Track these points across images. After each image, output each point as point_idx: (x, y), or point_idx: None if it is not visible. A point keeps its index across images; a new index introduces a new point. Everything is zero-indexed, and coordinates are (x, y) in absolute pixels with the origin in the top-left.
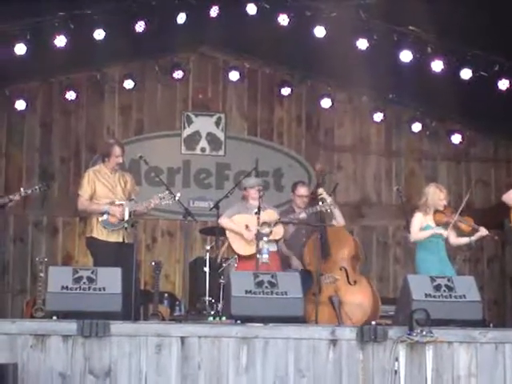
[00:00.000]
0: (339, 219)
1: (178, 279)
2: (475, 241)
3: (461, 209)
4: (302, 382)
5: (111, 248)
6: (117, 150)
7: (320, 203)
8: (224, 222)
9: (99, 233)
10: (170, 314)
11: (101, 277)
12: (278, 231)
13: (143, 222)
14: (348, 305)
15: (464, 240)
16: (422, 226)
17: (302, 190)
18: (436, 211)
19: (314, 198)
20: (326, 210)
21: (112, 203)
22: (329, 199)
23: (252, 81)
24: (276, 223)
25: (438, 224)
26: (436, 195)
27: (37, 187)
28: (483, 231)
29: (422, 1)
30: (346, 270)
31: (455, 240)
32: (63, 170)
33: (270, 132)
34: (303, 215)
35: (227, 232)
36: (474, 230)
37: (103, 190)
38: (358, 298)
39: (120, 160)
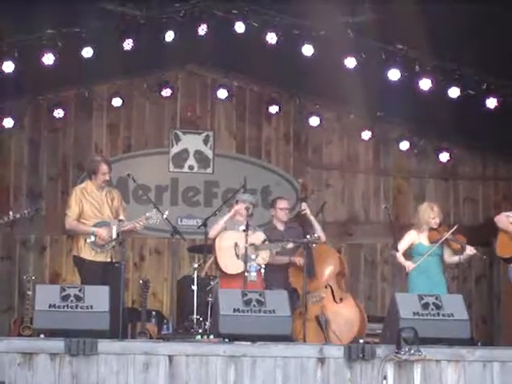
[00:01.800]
0: (321, 235)
1: (165, 297)
2: (464, 259)
3: (454, 229)
4: None
5: (98, 267)
6: (103, 167)
7: (308, 236)
8: (214, 236)
9: (86, 253)
10: (157, 332)
11: (88, 295)
12: (265, 256)
13: (131, 240)
14: (335, 323)
15: (455, 259)
16: (414, 243)
17: (283, 203)
18: (431, 229)
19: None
20: (314, 243)
21: (99, 224)
22: (311, 217)
23: (240, 99)
24: (262, 246)
25: (431, 241)
26: (426, 213)
27: (26, 212)
28: (471, 251)
29: (411, 19)
30: (331, 288)
31: (448, 258)
32: (51, 188)
33: (258, 150)
34: (290, 245)
35: (216, 248)
36: (463, 249)
37: (90, 209)
38: (344, 316)
39: (107, 177)
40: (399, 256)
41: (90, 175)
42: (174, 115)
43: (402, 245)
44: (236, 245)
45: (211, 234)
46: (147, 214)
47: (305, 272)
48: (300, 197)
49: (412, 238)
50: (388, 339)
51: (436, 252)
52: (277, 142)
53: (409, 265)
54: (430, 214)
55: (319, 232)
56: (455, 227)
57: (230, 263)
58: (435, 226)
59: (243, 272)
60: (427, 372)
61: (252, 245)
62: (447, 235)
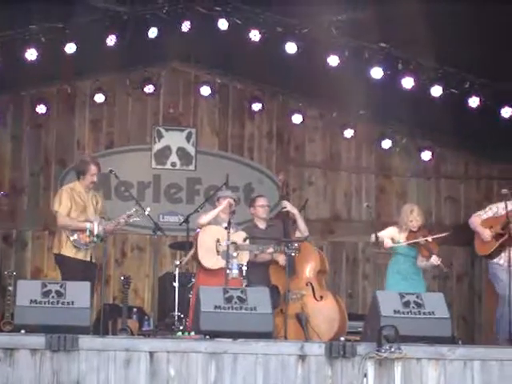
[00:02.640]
0: (304, 231)
1: (147, 294)
2: (427, 267)
3: (430, 237)
4: None
5: (79, 265)
6: (92, 168)
7: (288, 246)
8: (203, 224)
9: (68, 250)
10: (138, 328)
11: (69, 291)
12: (244, 257)
13: (113, 237)
14: (315, 320)
15: (421, 264)
16: (393, 239)
17: (262, 200)
18: (410, 231)
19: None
20: (295, 254)
21: (87, 221)
22: (294, 210)
23: (223, 96)
24: (242, 246)
25: (412, 244)
26: (405, 216)
27: None
28: (435, 261)
29: (393, 18)
30: (312, 286)
31: (419, 262)
32: (33, 184)
33: (241, 147)
34: (270, 250)
35: (198, 241)
36: (430, 258)
37: (76, 210)
38: (324, 314)
39: (95, 178)
40: (381, 235)
41: (79, 175)
42: (157, 112)
43: (382, 233)
44: (218, 241)
45: (201, 221)
46: (128, 212)
47: (287, 273)
48: (281, 194)
49: (392, 232)
50: (369, 337)
51: (411, 254)
52: (259, 139)
53: (387, 242)
54: (409, 216)
55: (303, 229)
56: (431, 237)
57: (209, 258)
58: (414, 229)
59: (222, 268)
60: (408, 370)
61: (233, 243)
62: (419, 240)
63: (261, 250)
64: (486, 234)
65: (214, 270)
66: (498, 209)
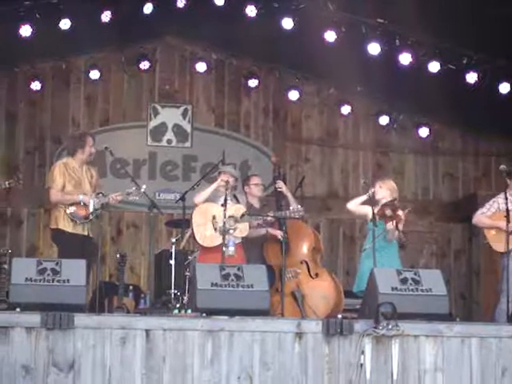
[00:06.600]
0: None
1: (143, 272)
2: (391, 235)
3: (391, 213)
4: (267, 375)
5: (77, 240)
6: (89, 139)
7: (291, 208)
8: (199, 202)
9: (66, 225)
10: (134, 306)
11: (65, 269)
12: (244, 228)
13: (108, 214)
14: (311, 298)
15: (389, 237)
16: (367, 216)
17: (257, 179)
18: (382, 206)
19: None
20: (301, 217)
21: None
22: (288, 193)
23: (219, 72)
24: (242, 218)
25: (379, 218)
26: (375, 191)
27: (7, 183)
28: (388, 225)
29: None
30: (306, 264)
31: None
32: (28, 161)
33: (237, 124)
34: (271, 218)
35: (193, 221)
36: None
37: (70, 185)
38: (320, 291)
39: (93, 150)
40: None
41: (75, 151)
42: (153, 88)
43: (357, 201)
44: (214, 217)
45: (196, 200)
46: (127, 190)
47: (284, 245)
48: (274, 175)
49: (366, 210)
50: (366, 314)
51: (382, 228)
52: (256, 115)
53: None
54: (376, 191)
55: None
56: (400, 212)
57: (206, 236)
58: (382, 203)
59: (220, 245)
60: (405, 347)
61: (231, 217)
62: (386, 210)
63: (260, 218)
64: None
65: (213, 247)
66: (498, 204)
